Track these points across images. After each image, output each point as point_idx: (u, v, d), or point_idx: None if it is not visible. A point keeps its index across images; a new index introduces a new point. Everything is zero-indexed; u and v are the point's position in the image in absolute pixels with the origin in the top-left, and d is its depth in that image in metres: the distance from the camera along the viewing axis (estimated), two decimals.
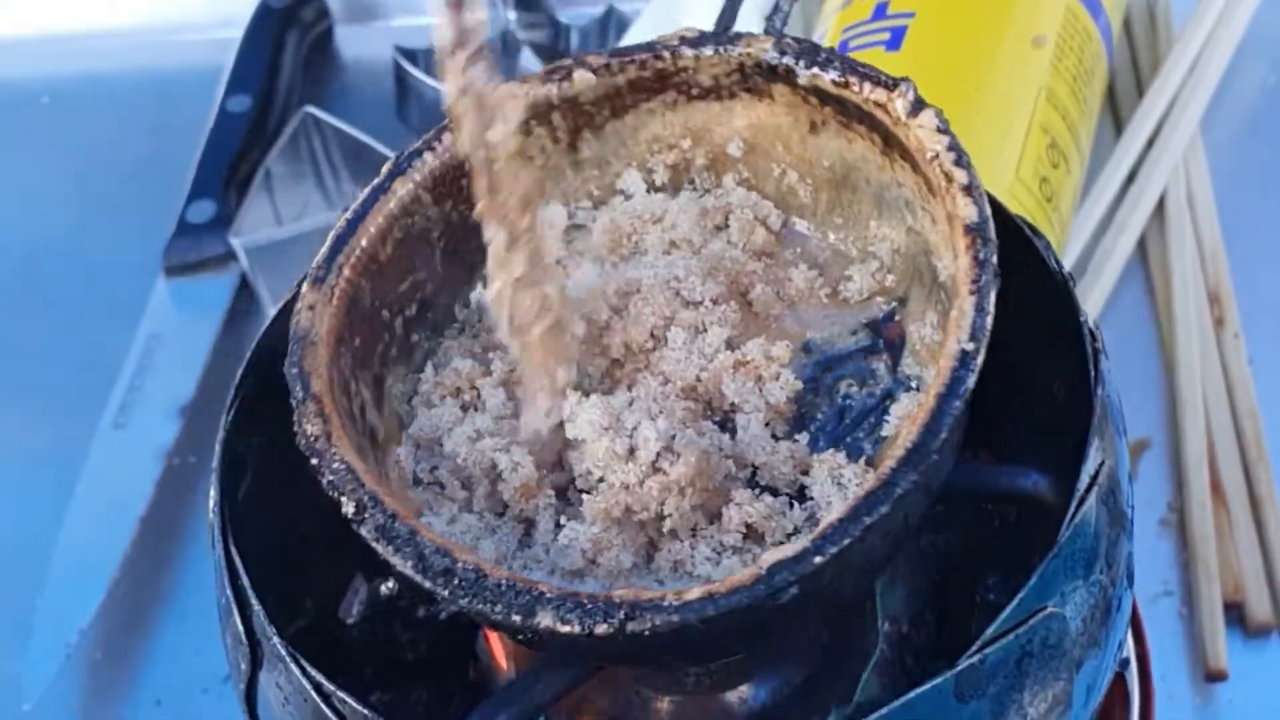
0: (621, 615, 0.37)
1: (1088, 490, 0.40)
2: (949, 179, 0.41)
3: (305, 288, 0.44)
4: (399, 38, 0.83)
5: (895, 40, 0.69)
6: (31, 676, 0.64)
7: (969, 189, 0.40)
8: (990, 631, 0.39)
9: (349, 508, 0.40)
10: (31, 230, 0.82)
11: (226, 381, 0.72)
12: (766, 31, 0.46)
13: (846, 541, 0.37)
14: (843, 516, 0.37)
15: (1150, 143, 0.74)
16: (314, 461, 0.41)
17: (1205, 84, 0.75)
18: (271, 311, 0.74)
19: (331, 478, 0.41)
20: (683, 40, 0.46)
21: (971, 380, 0.38)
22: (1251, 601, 0.61)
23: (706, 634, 0.37)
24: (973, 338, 0.38)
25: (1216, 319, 0.69)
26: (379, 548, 0.40)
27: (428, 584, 0.39)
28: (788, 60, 0.45)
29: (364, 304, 0.46)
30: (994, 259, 0.39)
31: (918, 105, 0.42)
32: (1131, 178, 0.73)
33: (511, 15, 0.84)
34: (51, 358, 0.76)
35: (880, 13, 0.71)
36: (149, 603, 0.67)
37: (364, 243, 0.46)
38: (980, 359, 0.38)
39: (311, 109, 0.78)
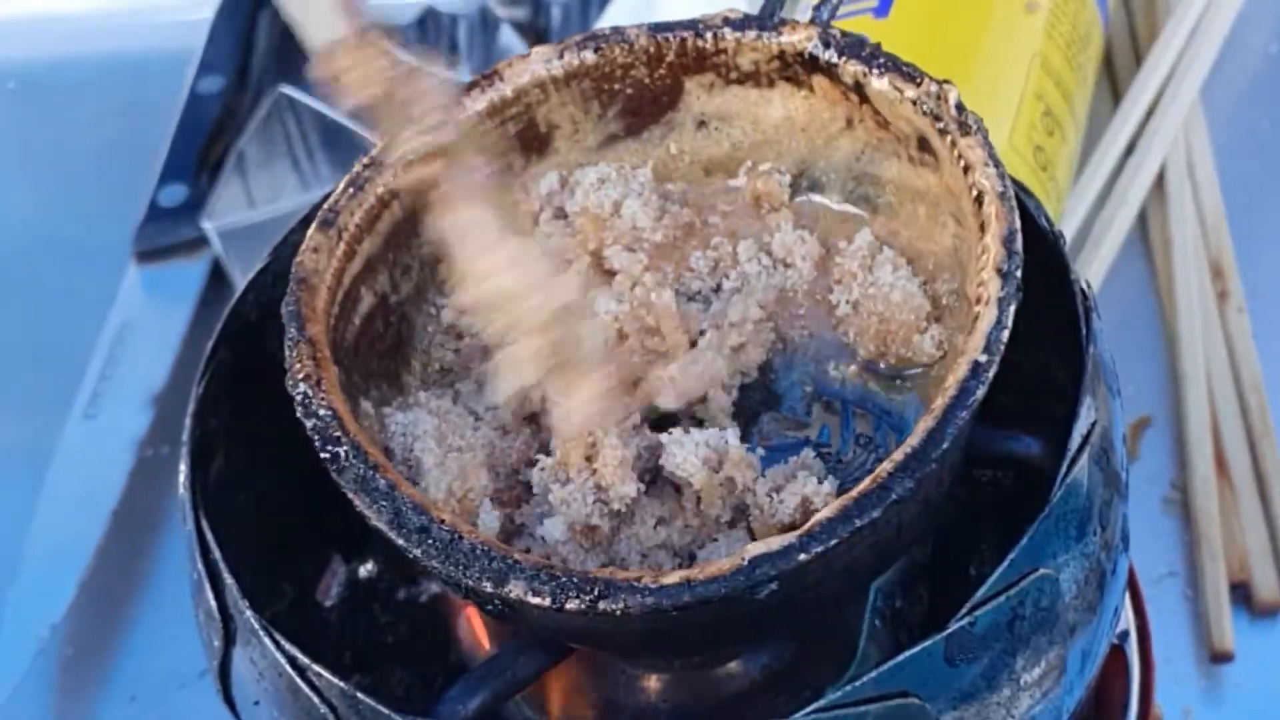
0: (595, 592, 0.37)
1: (1080, 450, 0.41)
2: (984, 189, 0.42)
3: (312, 229, 0.45)
4: (374, 15, 0.84)
5: (884, 6, 0.70)
6: (2, 673, 0.64)
7: (1003, 196, 0.41)
8: (981, 593, 0.39)
9: (329, 455, 0.41)
10: None
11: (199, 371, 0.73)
12: (812, 20, 0.46)
13: (833, 542, 0.37)
14: (831, 516, 0.38)
15: (1149, 113, 0.74)
16: (299, 405, 0.42)
17: (1205, 52, 0.76)
18: (242, 283, 0.75)
19: (315, 423, 0.41)
20: (726, 21, 0.47)
21: (981, 392, 0.39)
22: (1257, 580, 0.61)
23: (680, 621, 0.38)
24: (987, 349, 0.39)
25: (1219, 292, 0.70)
26: (356, 500, 0.40)
27: (401, 541, 0.39)
28: (830, 54, 0.45)
29: (372, 252, 0.47)
30: (1019, 273, 0.40)
31: (960, 109, 0.43)
32: (1130, 149, 0.74)
33: None
34: (19, 346, 0.77)
35: None
36: (122, 597, 0.67)
37: (379, 191, 0.46)
38: (992, 373, 0.39)
39: (286, 89, 0.78)
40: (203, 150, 0.78)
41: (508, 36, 0.84)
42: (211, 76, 0.81)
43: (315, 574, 0.54)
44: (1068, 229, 0.71)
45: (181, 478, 0.45)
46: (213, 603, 0.43)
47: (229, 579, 0.42)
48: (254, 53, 0.83)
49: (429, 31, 0.83)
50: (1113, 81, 0.79)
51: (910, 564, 0.51)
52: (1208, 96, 0.76)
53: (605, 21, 0.75)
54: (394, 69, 0.42)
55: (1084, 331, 0.43)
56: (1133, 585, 0.53)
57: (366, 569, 0.54)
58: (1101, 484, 0.42)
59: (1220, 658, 0.61)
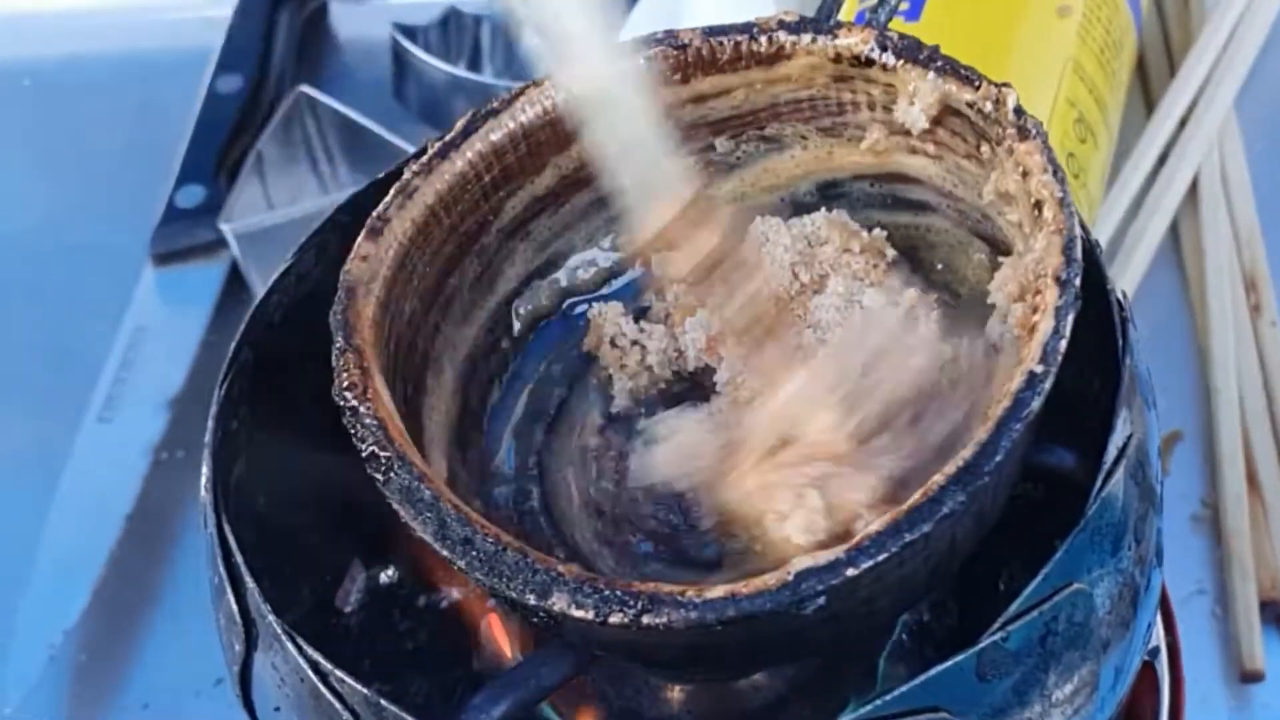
0: (639, 606, 0.38)
1: (1115, 463, 0.41)
2: (1044, 197, 0.42)
3: (361, 238, 0.46)
4: (397, 14, 0.84)
5: (915, 9, 0.70)
6: (14, 680, 0.64)
7: (1063, 203, 0.41)
8: (1014, 608, 0.39)
9: (374, 466, 0.41)
10: (12, 217, 0.83)
11: (216, 374, 0.72)
12: (869, 24, 0.47)
13: (882, 557, 0.37)
14: (881, 530, 0.37)
15: (1183, 122, 0.75)
16: (347, 414, 0.42)
17: (1240, 60, 0.76)
18: (266, 285, 0.75)
19: (361, 431, 0.42)
20: (781, 24, 0.47)
21: (1037, 404, 0.38)
22: None
23: (724, 637, 0.38)
24: (1044, 360, 0.39)
25: (1253, 306, 0.70)
26: (401, 510, 0.41)
27: (446, 552, 0.40)
28: (887, 56, 0.46)
29: (422, 261, 0.47)
30: (1078, 281, 0.40)
31: (1019, 113, 0.43)
32: (1163, 159, 0.74)
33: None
34: (34, 349, 0.77)
35: None
36: (136, 603, 0.67)
37: (428, 199, 0.47)
38: (1048, 384, 0.39)
39: (306, 89, 0.79)
40: (221, 151, 0.79)
41: (531, 36, 0.84)
42: (230, 76, 0.82)
43: (335, 580, 0.54)
44: (1099, 238, 0.70)
45: (203, 480, 0.45)
46: (234, 606, 0.43)
47: (250, 583, 0.43)
48: (273, 52, 0.84)
49: (451, 32, 0.84)
50: (1146, 88, 0.79)
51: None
52: (1242, 105, 0.76)
53: (630, 25, 0.75)
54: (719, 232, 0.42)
55: (1120, 343, 0.43)
56: (1164, 601, 0.53)
57: (387, 575, 0.54)
58: (1137, 498, 0.42)
59: (1250, 677, 0.61)
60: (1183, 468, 0.67)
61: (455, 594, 0.54)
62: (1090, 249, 0.46)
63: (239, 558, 0.43)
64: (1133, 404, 0.42)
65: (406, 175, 0.48)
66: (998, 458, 0.38)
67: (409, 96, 0.82)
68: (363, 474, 0.45)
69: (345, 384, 0.43)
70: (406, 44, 0.81)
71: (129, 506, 0.68)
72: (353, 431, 0.42)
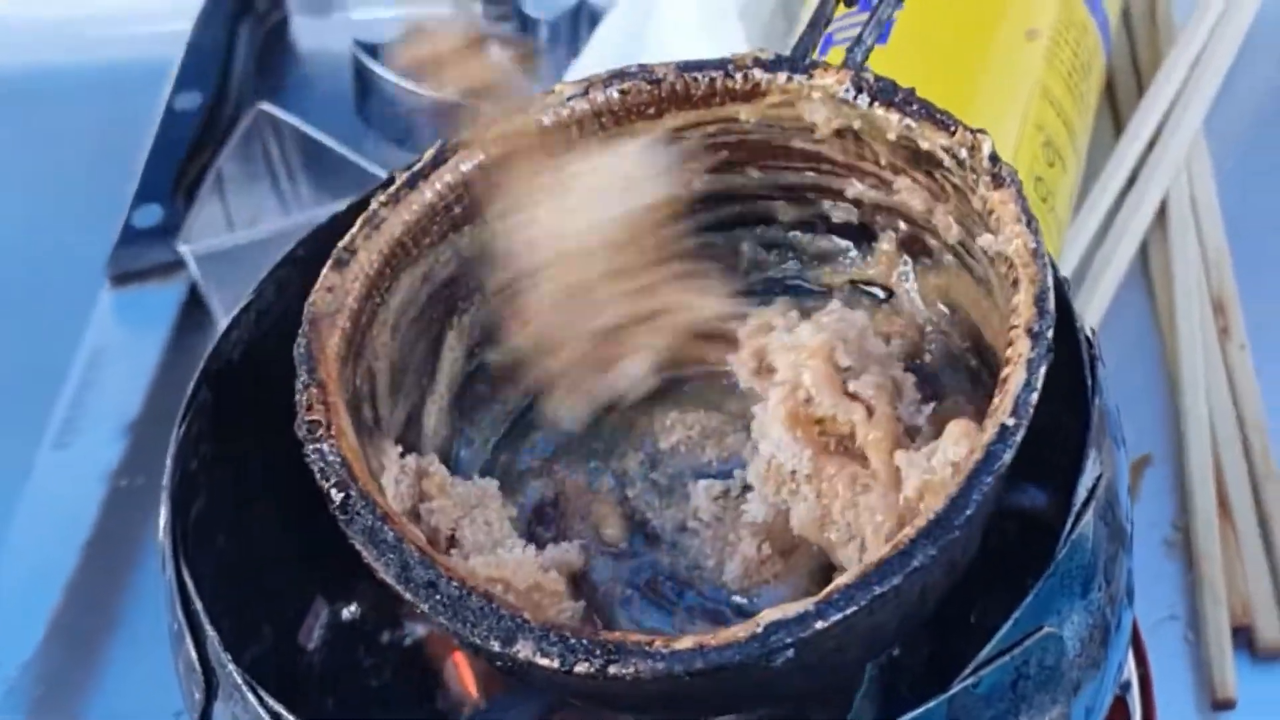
0: (605, 656, 0.38)
1: (1085, 505, 0.41)
2: (1018, 247, 0.42)
3: (326, 269, 0.46)
4: (358, 30, 0.84)
5: (881, 34, 0.70)
6: None
7: (1036, 254, 0.41)
8: (985, 653, 0.39)
9: (337, 506, 0.41)
10: None
11: (175, 398, 0.72)
12: (845, 64, 0.47)
13: (851, 610, 0.37)
14: (850, 583, 0.38)
15: (1151, 144, 0.75)
16: (310, 451, 0.42)
17: (1209, 82, 0.76)
18: (223, 324, 0.75)
19: (324, 469, 0.42)
20: (756, 61, 0.47)
21: (1008, 457, 0.39)
22: (1260, 625, 0.62)
23: (692, 688, 0.38)
24: (1015, 413, 0.39)
25: (1221, 329, 0.70)
26: (364, 551, 0.41)
27: (409, 595, 0.40)
28: (862, 98, 0.46)
29: (389, 293, 0.47)
30: (1050, 333, 0.40)
31: (994, 160, 0.44)
32: (1132, 181, 0.74)
33: (478, 7, 0.85)
34: None
35: (867, 3, 0.72)
36: (95, 634, 0.66)
37: (395, 231, 0.47)
38: (1019, 437, 0.39)
39: (266, 106, 0.78)
40: (179, 169, 0.78)
41: (495, 54, 0.84)
42: (189, 92, 0.81)
43: (298, 616, 0.54)
44: (1067, 262, 0.71)
45: (161, 523, 0.45)
46: (193, 654, 0.43)
47: (210, 630, 0.42)
48: (233, 67, 0.83)
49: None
50: (1114, 110, 0.79)
51: None
52: (1211, 127, 0.77)
53: (595, 43, 0.75)
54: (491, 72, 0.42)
55: (1089, 382, 0.43)
56: (1135, 635, 0.53)
57: (350, 611, 0.54)
58: (1106, 539, 0.42)
59: (1222, 705, 0.61)
60: (1153, 492, 0.67)
61: (420, 630, 0.54)
62: (1059, 285, 0.46)
63: (198, 604, 0.43)
64: (1102, 444, 0.42)
65: (374, 206, 0.47)
66: (968, 511, 0.38)
67: (371, 114, 0.81)
68: (323, 508, 0.45)
69: (308, 421, 0.43)
70: (367, 60, 0.81)
71: (87, 534, 0.67)
72: (315, 470, 0.42)
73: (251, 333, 0.49)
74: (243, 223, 0.77)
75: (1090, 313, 0.70)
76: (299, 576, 0.53)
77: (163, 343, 0.74)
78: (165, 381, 0.72)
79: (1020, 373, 0.40)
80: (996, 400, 0.40)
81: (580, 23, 0.82)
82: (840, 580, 0.38)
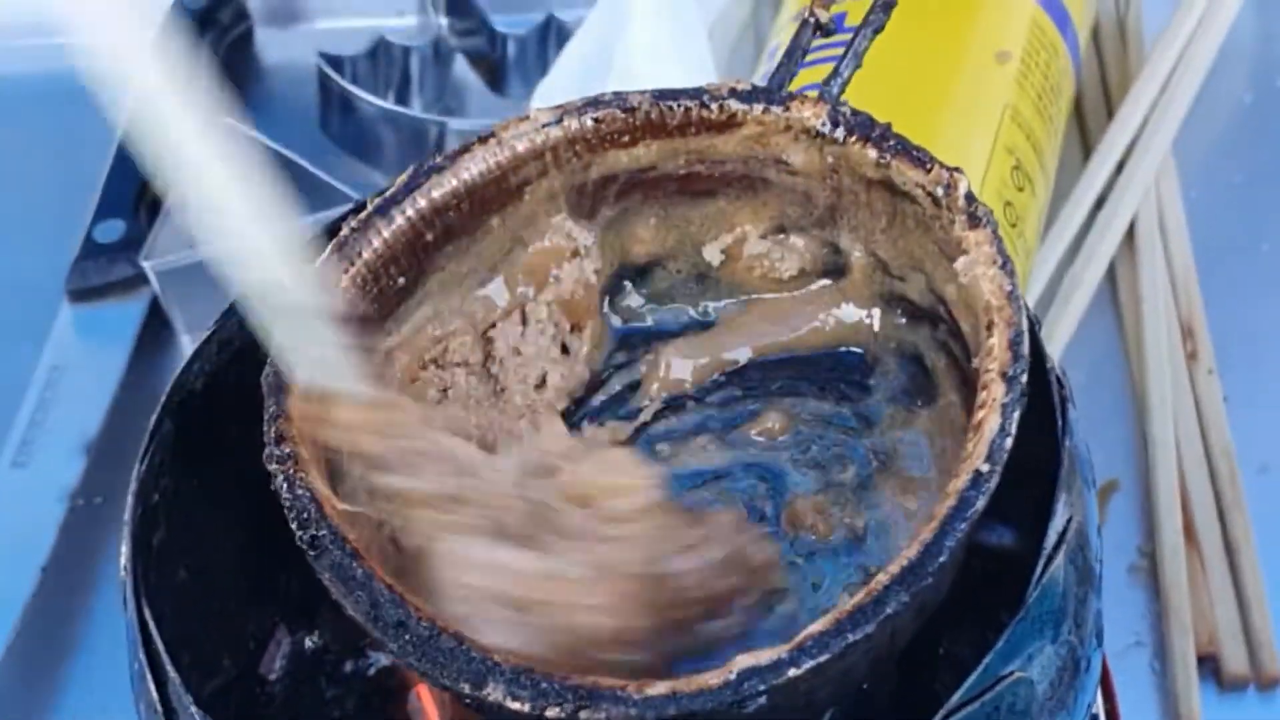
0: (576, 701, 0.38)
1: (1055, 548, 0.41)
2: (993, 290, 0.42)
3: None
4: (324, 43, 0.83)
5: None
6: None
7: (1011, 296, 0.41)
8: (955, 700, 0.39)
9: (305, 541, 0.41)
10: None
11: (135, 416, 0.71)
12: (821, 97, 0.46)
13: (825, 657, 0.37)
14: (824, 630, 0.38)
15: (1120, 166, 0.75)
16: (278, 485, 0.42)
17: (1178, 103, 0.76)
18: (186, 341, 0.74)
19: (292, 503, 0.41)
20: (732, 92, 0.47)
21: (981, 504, 0.39)
22: (1226, 654, 0.62)
23: None
24: (989, 458, 0.39)
25: (1189, 353, 0.70)
26: (332, 588, 0.40)
27: (378, 634, 0.39)
28: (839, 132, 0.46)
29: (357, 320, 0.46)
30: (1024, 377, 0.40)
31: (970, 199, 0.43)
32: (1100, 203, 0.74)
33: (443, 20, 0.85)
34: None
35: (838, 26, 0.72)
36: (53, 659, 0.66)
37: (365, 255, 0.46)
38: (994, 483, 0.39)
39: (229, 121, 0.77)
40: (142, 184, 0.77)
41: (462, 69, 0.84)
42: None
43: (259, 646, 0.53)
44: (1035, 285, 0.71)
45: (123, 560, 0.44)
46: (154, 695, 0.42)
47: (172, 672, 0.42)
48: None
49: (380, 62, 0.83)
50: (1083, 131, 0.79)
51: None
52: (1180, 147, 0.77)
53: (564, 59, 0.75)
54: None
55: (1060, 424, 0.43)
56: (1104, 672, 0.53)
57: (312, 640, 0.54)
58: (1076, 581, 0.42)
59: None
60: (1120, 517, 0.67)
61: (383, 660, 0.53)
62: (1031, 324, 0.46)
63: (159, 645, 0.42)
64: (1072, 486, 0.43)
65: (345, 232, 0.47)
66: (942, 558, 0.38)
67: (335, 128, 0.81)
68: (286, 536, 0.45)
69: (277, 453, 0.42)
70: (333, 75, 0.80)
71: (44, 557, 0.66)
72: (284, 503, 0.42)
73: (214, 363, 0.49)
74: None
75: (1058, 336, 0.70)
76: (259, 606, 0.53)
77: (124, 360, 0.73)
78: (126, 399, 0.72)
79: (995, 418, 0.40)
80: (970, 445, 0.39)
81: (549, 39, 0.82)
82: (814, 627, 0.38)
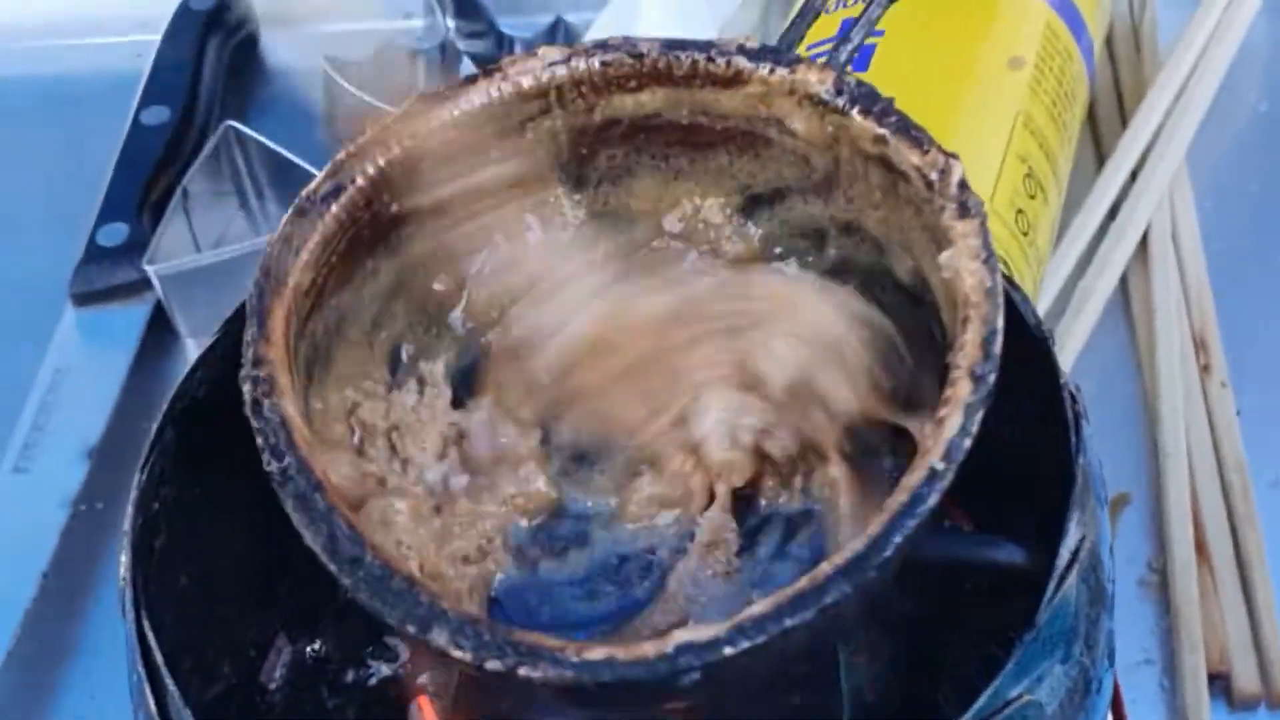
0: (516, 656, 0.38)
1: (1067, 568, 0.41)
2: (972, 284, 0.42)
3: (286, 216, 0.45)
4: (329, 45, 0.83)
5: (863, 59, 0.70)
6: None
7: (990, 293, 0.41)
8: None
9: (273, 467, 0.41)
10: None
11: (138, 421, 0.72)
12: (828, 63, 0.46)
13: (761, 639, 0.38)
14: (764, 612, 0.38)
15: (1134, 175, 0.75)
16: (250, 408, 0.42)
17: (1193, 111, 0.76)
18: (190, 346, 0.74)
19: (262, 428, 0.42)
20: (741, 49, 0.47)
21: (934, 501, 0.39)
22: (1238, 672, 0.61)
23: (601, 696, 0.38)
24: (947, 457, 0.39)
25: (1202, 365, 0.70)
26: (293, 517, 0.41)
27: (333, 567, 0.40)
28: (841, 101, 0.45)
29: (347, 250, 0.47)
30: (993, 378, 0.40)
31: (963, 188, 0.43)
32: (1113, 212, 0.74)
33: (450, 23, 0.84)
34: None
35: (847, 29, 0.72)
36: (52, 666, 0.66)
37: (359, 181, 0.46)
38: (948, 482, 0.39)
39: (233, 124, 0.77)
40: (146, 187, 0.77)
41: (469, 71, 0.83)
42: (156, 107, 0.80)
43: (260, 654, 0.53)
44: (1046, 294, 0.71)
45: (123, 569, 0.44)
46: (154, 708, 0.42)
47: (171, 685, 0.42)
48: (201, 83, 0.82)
49: (386, 66, 0.83)
50: (1096, 138, 0.79)
51: (882, 655, 0.51)
52: (1194, 156, 0.76)
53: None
54: None
55: (1073, 440, 0.43)
56: (1115, 692, 0.53)
57: (313, 649, 0.53)
58: (1088, 602, 0.42)
59: None
60: (1130, 530, 0.66)
61: (384, 670, 0.53)
62: (1043, 341, 0.46)
63: (159, 657, 0.42)
64: (1085, 504, 0.42)
65: (341, 156, 0.47)
66: (887, 553, 0.38)
67: (341, 132, 0.81)
68: (288, 543, 0.44)
69: (252, 376, 0.42)
70: (337, 77, 0.80)
71: (45, 562, 0.66)
72: (255, 428, 0.42)
73: (218, 370, 0.48)
74: (209, 242, 0.76)
75: (1069, 348, 0.69)
76: (261, 614, 0.53)
77: (127, 364, 0.73)
78: (129, 404, 0.71)
79: (957, 416, 0.39)
80: (928, 442, 0.39)
81: (556, 42, 0.81)
82: (754, 609, 0.38)
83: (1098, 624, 0.42)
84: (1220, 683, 0.62)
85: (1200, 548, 0.65)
